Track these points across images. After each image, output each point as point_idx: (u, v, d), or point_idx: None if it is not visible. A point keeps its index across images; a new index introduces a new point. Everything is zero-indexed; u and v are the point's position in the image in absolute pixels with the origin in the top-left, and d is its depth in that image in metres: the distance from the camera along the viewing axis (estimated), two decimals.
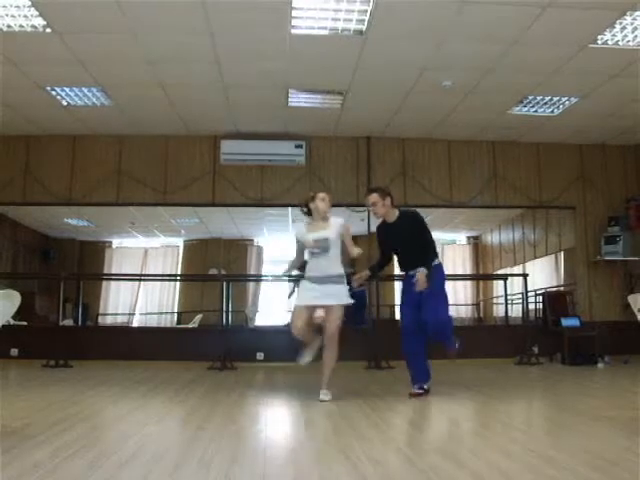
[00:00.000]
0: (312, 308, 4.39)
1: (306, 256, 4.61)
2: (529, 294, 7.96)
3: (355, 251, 4.38)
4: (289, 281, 9.82)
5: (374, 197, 4.61)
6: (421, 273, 4.34)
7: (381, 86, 6.41)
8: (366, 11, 4.79)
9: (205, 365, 6.58)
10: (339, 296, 4.36)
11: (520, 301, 8.12)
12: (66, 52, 5.48)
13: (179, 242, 13.69)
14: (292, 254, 4.75)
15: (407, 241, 4.55)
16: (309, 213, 4.58)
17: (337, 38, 5.26)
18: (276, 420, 3.82)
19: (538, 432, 3.42)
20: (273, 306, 13.25)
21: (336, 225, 4.47)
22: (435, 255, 4.57)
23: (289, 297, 9.89)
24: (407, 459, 2.57)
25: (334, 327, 4.33)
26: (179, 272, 13.54)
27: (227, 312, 7.23)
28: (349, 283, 4.61)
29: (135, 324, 12.84)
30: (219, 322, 7.15)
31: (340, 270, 4.43)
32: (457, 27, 5.04)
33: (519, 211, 10.35)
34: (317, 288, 4.35)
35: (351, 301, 4.45)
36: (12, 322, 7.02)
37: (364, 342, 7.16)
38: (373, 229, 8.30)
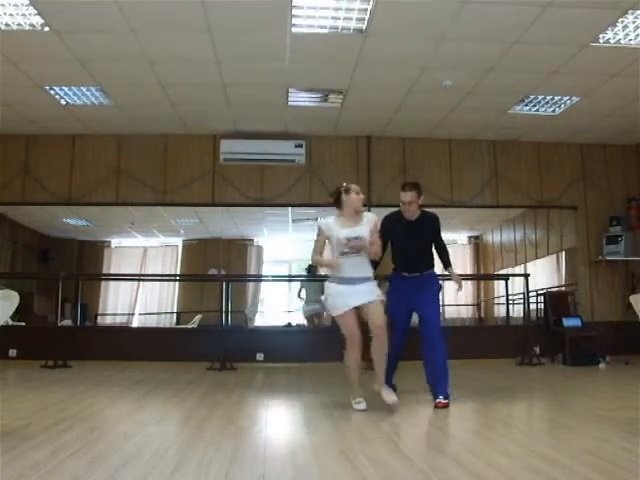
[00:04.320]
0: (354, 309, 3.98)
1: (328, 254, 4.22)
2: (530, 294, 7.94)
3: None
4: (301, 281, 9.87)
5: (412, 196, 4.32)
6: (454, 274, 4.49)
7: (381, 85, 6.40)
8: (366, 10, 4.78)
9: (205, 365, 6.57)
10: (375, 291, 4.00)
11: (521, 301, 8.10)
12: (65, 51, 5.47)
13: (178, 242, 13.67)
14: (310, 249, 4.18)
15: (420, 242, 4.43)
16: (338, 203, 4.07)
17: (337, 37, 5.24)
18: (276, 420, 3.81)
19: (539, 432, 3.41)
20: (273, 307, 13.26)
21: (369, 221, 4.08)
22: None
23: (299, 296, 9.96)
24: (407, 459, 2.56)
25: (381, 320, 3.96)
26: (178, 272, 13.51)
27: (227, 312, 7.21)
28: None
29: (134, 324, 12.82)
30: (219, 322, 7.13)
31: (371, 272, 4.09)
32: (457, 26, 5.02)
33: (520, 211, 10.33)
34: (351, 290, 3.94)
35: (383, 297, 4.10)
36: (11, 322, 7.00)
37: (363, 342, 7.14)
38: None
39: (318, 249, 4.08)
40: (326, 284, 4.13)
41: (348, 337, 3.99)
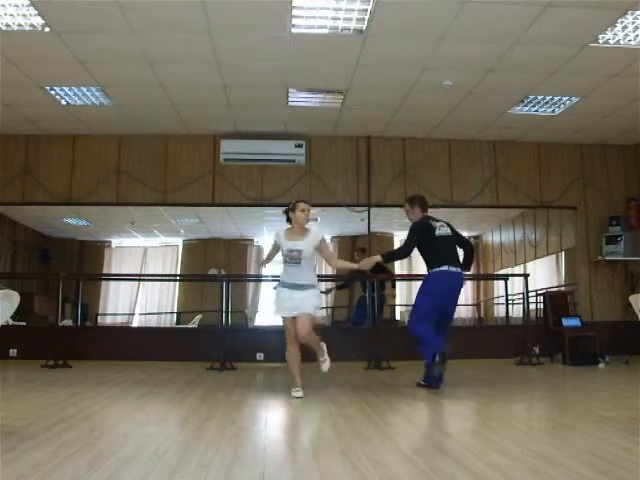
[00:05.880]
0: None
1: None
2: (530, 294, 7.94)
3: (337, 263, 5.24)
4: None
5: (405, 206, 5.35)
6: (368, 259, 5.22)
7: (381, 85, 6.41)
8: (366, 10, 4.78)
9: (205, 365, 6.56)
10: (305, 305, 4.50)
11: (521, 301, 8.10)
12: (65, 51, 5.47)
13: (178, 242, 13.67)
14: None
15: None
16: (288, 218, 4.70)
17: (337, 37, 5.25)
18: (276, 420, 3.81)
19: (539, 432, 3.41)
20: (270, 306, 13.24)
21: (313, 237, 4.61)
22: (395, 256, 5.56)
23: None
24: (407, 459, 2.56)
25: (303, 334, 4.50)
26: (179, 272, 13.51)
27: (227, 312, 7.21)
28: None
29: (135, 324, 12.82)
30: (219, 322, 7.13)
31: (311, 280, 4.63)
32: (457, 27, 5.03)
33: (519, 211, 10.34)
34: (289, 296, 4.55)
35: (317, 312, 4.66)
36: (11, 322, 7.02)
37: (364, 342, 7.15)
38: (373, 229, 8.41)
39: (269, 253, 4.88)
40: (278, 287, 4.71)
41: (287, 336, 4.64)
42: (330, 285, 10.21)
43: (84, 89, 6.46)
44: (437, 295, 4.98)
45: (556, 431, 3.37)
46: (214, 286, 8.36)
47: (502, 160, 8.34)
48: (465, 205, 8.35)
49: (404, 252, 5.22)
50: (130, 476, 2.26)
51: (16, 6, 4.69)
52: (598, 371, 6.64)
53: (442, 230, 5.13)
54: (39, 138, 7.95)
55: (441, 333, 4.92)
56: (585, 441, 2.92)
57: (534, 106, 6.96)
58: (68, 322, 8.29)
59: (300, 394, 4.43)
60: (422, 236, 5.07)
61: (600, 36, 5.16)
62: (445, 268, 4.98)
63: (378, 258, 5.15)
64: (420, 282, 5.41)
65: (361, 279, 8.49)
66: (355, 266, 5.32)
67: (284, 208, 4.77)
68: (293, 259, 4.55)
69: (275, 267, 5.28)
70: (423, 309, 4.97)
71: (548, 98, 6.72)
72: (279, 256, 4.75)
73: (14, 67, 5.79)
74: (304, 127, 7.84)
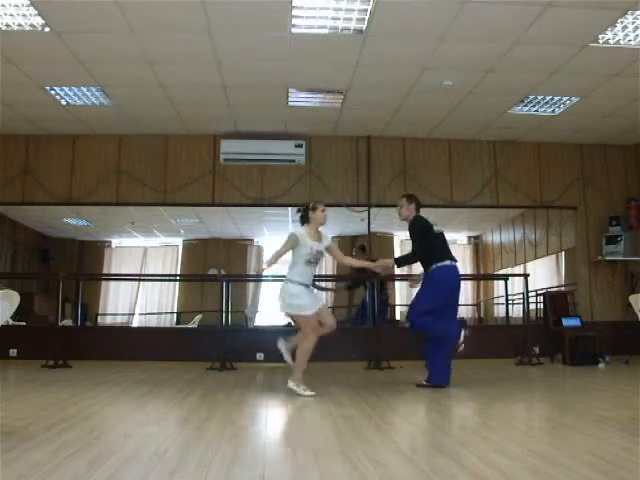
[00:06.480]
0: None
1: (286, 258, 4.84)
2: (530, 294, 7.94)
3: (348, 261, 5.34)
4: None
5: (399, 202, 5.34)
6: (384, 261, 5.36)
7: (381, 85, 6.41)
8: (366, 10, 4.78)
9: (205, 365, 6.57)
10: (322, 299, 4.92)
11: (521, 301, 8.10)
12: (65, 51, 5.47)
13: (179, 242, 13.68)
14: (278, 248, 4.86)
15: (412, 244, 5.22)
16: (305, 219, 4.78)
17: (337, 37, 5.25)
18: (276, 420, 3.81)
19: (539, 432, 3.41)
20: (273, 306, 13.23)
21: (327, 239, 4.83)
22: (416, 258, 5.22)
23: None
24: (407, 459, 2.56)
25: (333, 322, 4.81)
26: (179, 272, 13.52)
27: (227, 312, 7.21)
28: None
29: (135, 324, 12.82)
30: (219, 322, 7.13)
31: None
32: (457, 26, 5.03)
33: (519, 211, 10.35)
34: (311, 293, 4.76)
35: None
36: (11, 322, 7.01)
37: (364, 342, 7.16)
38: (373, 229, 8.42)
39: (281, 253, 4.74)
40: (291, 286, 4.66)
41: (313, 331, 4.60)
42: (335, 284, 10.23)
43: (84, 89, 6.46)
44: (442, 290, 4.97)
45: (556, 431, 3.37)
46: (214, 286, 8.36)
47: (502, 160, 8.33)
48: (465, 205, 8.35)
49: (420, 253, 5.10)
50: (130, 476, 2.26)
51: (16, 6, 4.69)
52: (598, 371, 6.64)
53: (437, 227, 5.18)
54: (39, 138, 7.95)
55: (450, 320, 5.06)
56: (585, 441, 2.92)
57: (534, 106, 6.96)
58: (68, 322, 8.29)
59: (313, 392, 4.49)
60: (428, 232, 5.08)
61: (600, 36, 5.16)
62: (448, 263, 5.01)
63: (392, 262, 5.27)
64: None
65: (361, 279, 8.49)
66: (372, 265, 5.37)
67: (299, 208, 4.89)
68: (316, 260, 4.71)
69: (275, 267, 5.24)
70: (424, 306, 4.99)
71: (548, 98, 6.72)
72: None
73: (14, 67, 5.79)
74: (304, 127, 7.84)
